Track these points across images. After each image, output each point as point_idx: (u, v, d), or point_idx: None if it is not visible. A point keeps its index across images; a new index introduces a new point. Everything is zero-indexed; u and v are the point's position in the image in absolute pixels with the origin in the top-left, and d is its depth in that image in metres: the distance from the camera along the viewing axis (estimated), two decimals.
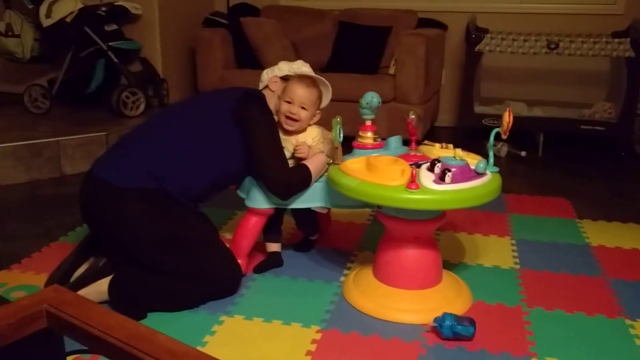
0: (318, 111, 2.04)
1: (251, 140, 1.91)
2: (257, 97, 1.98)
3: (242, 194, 2.08)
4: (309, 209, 2.05)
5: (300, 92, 1.96)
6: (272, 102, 2.04)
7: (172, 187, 1.81)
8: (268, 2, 4.38)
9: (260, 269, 2.07)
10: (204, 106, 1.97)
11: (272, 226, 2.10)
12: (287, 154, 2.00)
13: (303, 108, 1.96)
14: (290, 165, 1.98)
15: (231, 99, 1.95)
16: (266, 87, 2.09)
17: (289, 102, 1.97)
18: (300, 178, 1.94)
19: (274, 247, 2.13)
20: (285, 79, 2.07)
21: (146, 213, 1.76)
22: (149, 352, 0.82)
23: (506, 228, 2.49)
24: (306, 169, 1.94)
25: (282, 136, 2.01)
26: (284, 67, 2.09)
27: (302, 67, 2.10)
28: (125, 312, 1.73)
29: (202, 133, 1.89)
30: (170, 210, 1.80)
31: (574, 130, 3.60)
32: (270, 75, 2.09)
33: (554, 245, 2.33)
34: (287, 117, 1.97)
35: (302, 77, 2.00)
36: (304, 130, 2.02)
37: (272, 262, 2.10)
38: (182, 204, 1.84)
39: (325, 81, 2.06)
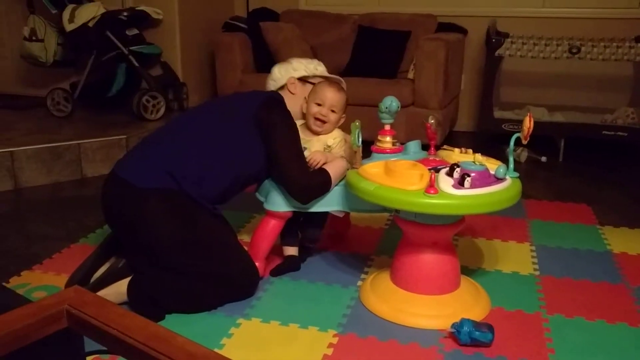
0: (343, 115, 2.08)
1: (272, 145, 1.93)
2: (278, 102, 2.00)
3: (260, 197, 2.08)
4: (322, 214, 2.05)
5: (331, 96, 2.01)
6: (291, 104, 2.05)
7: (191, 188, 1.82)
8: (287, 7, 4.40)
9: (277, 272, 2.07)
10: (225, 110, 1.98)
11: (289, 230, 2.10)
12: (307, 154, 2.02)
13: (333, 111, 2.02)
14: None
15: (253, 103, 1.96)
16: (283, 87, 2.10)
17: (319, 105, 2.01)
18: (320, 182, 1.94)
19: (291, 250, 2.13)
20: (302, 80, 2.08)
21: (166, 214, 1.78)
22: (168, 353, 0.82)
23: (526, 234, 2.46)
24: (326, 173, 1.95)
25: (306, 137, 2.04)
26: (299, 67, 2.10)
27: (317, 67, 2.12)
28: (143, 313, 1.75)
29: (223, 136, 1.90)
30: (189, 212, 1.82)
31: (596, 135, 3.55)
32: (285, 75, 2.09)
33: (574, 251, 2.30)
34: (317, 119, 2.02)
35: (331, 81, 2.08)
36: (330, 132, 2.05)
37: (289, 266, 2.10)
38: (202, 206, 1.85)
39: (341, 79, 2.14)
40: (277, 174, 1.96)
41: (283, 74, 2.11)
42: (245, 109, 1.95)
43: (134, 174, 1.82)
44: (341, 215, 2.06)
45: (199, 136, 1.90)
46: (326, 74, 2.14)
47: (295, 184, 1.92)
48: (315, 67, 2.12)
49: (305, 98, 2.07)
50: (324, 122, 2.02)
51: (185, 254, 1.79)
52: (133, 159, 1.89)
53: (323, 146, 2.06)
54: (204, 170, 1.86)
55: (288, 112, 2.00)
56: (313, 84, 2.08)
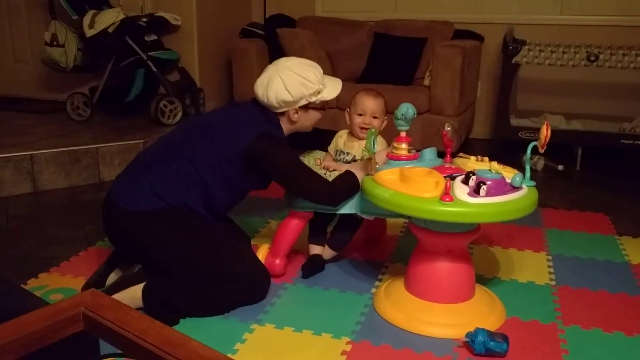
0: (385, 118, 2.12)
1: (278, 178, 1.94)
2: (270, 138, 1.90)
3: (285, 197, 2.12)
4: (355, 220, 2.07)
5: (371, 104, 2.08)
6: (291, 128, 2.02)
7: (191, 204, 1.87)
8: (304, 13, 4.42)
9: (307, 273, 2.09)
10: (218, 137, 1.90)
11: (318, 229, 2.15)
12: (349, 159, 2.11)
13: (375, 117, 2.08)
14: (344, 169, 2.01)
15: (244, 138, 1.87)
16: (283, 112, 1.97)
17: (361, 115, 2.08)
18: (346, 185, 1.94)
19: (316, 249, 2.15)
20: (305, 107, 1.97)
21: (166, 234, 1.83)
22: (182, 357, 0.83)
23: (542, 243, 2.44)
24: (350, 174, 1.95)
25: (349, 143, 2.13)
26: (298, 95, 1.92)
27: (316, 90, 1.95)
28: (158, 317, 1.78)
29: (217, 164, 1.88)
30: (190, 224, 1.87)
31: (614, 144, 3.51)
32: (285, 105, 1.93)
33: (591, 262, 2.27)
34: (362, 128, 2.08)
35: (367, 90, 2.12)
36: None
37: (316, 266, 2.11)
38: (201, 216, 1.90)
39: (337, 78, 2.09)
40: (299, 196, 1.99)
41: (280, 103, 1.92)
42: (237, 143, 1.87)
43: (127, 198, 1.85)
44: (371, 218, 2.06)
45: (195, 160, 1.87)
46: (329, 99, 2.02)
47: (319, 198, 1.95)
48: (322, 96, 1.98)
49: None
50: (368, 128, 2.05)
51: (193, 265, 1.83)
52: (127, 180, 1.91)
53: (362, 150, 2.08)
54: (202, 191, 1.88)
55: (281, 142, 1.94)
56: (316, 108, 2.02)
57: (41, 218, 2.72)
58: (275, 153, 1.90)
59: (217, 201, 1.94)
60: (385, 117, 2.13)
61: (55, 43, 3.79)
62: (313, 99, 1.96)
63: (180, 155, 1.88)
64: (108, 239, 1.98)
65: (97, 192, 3.05)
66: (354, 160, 2.10)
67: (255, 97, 1.98)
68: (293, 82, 1.90)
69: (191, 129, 1.97)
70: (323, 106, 2.04)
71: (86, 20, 3.60)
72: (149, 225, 1.83)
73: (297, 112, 1.97)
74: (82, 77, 4.14)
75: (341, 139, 2.17)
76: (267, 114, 1.96)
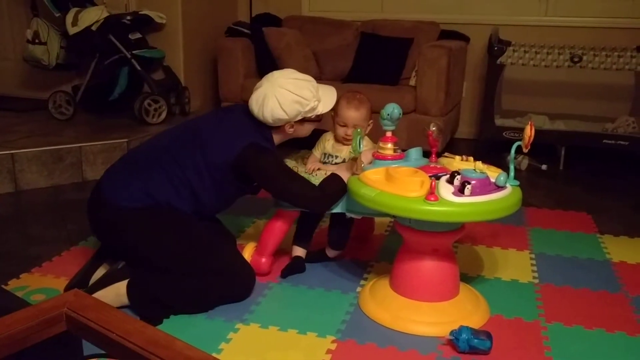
0: (370, 122, 2.10)
1: (267, 186, 1.96)
2: (259, 149, 1.90)
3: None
4: (347, 219, 2.08)
5: (352, 116, 2.05)
6: (285, 138, 2.03)
7: (180, 206, 1.87)
8: (290, 13, 4.41)
9: (286, 273, 2.10)
10: (208, 147, 1.89)
11: (303, 231, 2.16)
12: (339, 161, 2.10)
13: (356, 126, 2.06)
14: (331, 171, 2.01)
15: (234, 149, 1.87)
16: (279, 127, 1.97)
17: (343, 125, 2.06)
18: (334, 189, 1.94)
19: (299, 251, 2.16)
20: (302, 120, 1.97)
21: (154, 231, 1.84)
22: (167, 358, 0.82)
23: (526, 242, 2.46)
24: (336, 177, 1.95)
25: (337, 146, 2.12)
26: (293, 113, 1.92)
27: (311, 107, 1.95)
28: (142, 313, 1.78)
29: (206, 172, 1.88)
30: (178, 222, 1.87)
31: (597, 144, 3.55)
32: (280, 122, 1.93)
33: (574, 260, 2.30)
34: (344, 138, 2.08)
35: (349, 100, 2.06)
36: None
37: (296, 267, 2.12)
38: (191, 217, 1.90)
39: (331, 87, 2.07)
40: (287, 201, 1.98)
41: (275, 119, 1.91)
42: (225, 153, 1.87)
43: (118, 194, 1.85)
44: (359, 217, 2.07)
45: (185, 165, 1.87)
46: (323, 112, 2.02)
47: (309, 204, 1.96)
48: (315, 110, 1.97)
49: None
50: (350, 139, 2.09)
51: (180, 260, 1.84)
52: (119, 177, 1.90)
53: (349, 152, 2.08)
54: (190, 195, 1.89)
55: (269, 152, 1.93)
56: (311, 120, 2.01)
57: (23, 218, 2.68)
58: (264, 162, 1.90)
59: (206, 206, 1.95)
60: (371, 122, 2.11)
61: (37, 41, 3.74)
62: (309, 115, 1.97)
63: (171, 160, 1.88)
64: (93, 233, 1.97)
65: (80, 191, 3.02)
66: (343, 162, 2.09)
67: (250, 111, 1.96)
68: (289, 101, 1.90)
69: (183, 135, 1.96)
70: (319, 119, 2.04)
71: (69, 17, 3.56)
72: (138, 222, 1.83)
73: (292, 127, 1.98)
74: (64, 75, 4.09)
75: (329, 142, 2.15)
76: (258, 124, 1.96)
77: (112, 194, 1.86)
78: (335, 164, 2.10)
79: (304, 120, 1.98)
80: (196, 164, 1.87)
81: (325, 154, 2.15)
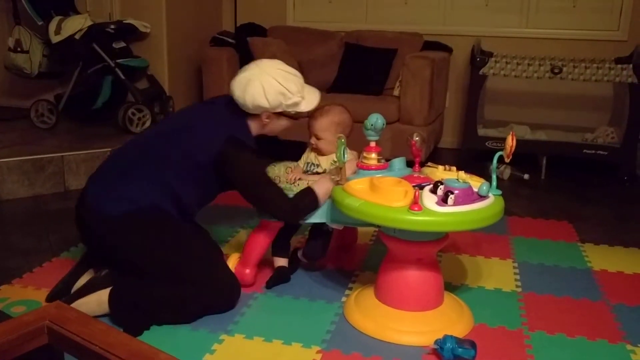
0: (340, 135, 1.97)
1: (241, 190, 1.93)
2: (237, 144, 1.89)
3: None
4: (325, 232, 2.08)
5: (314, 125, 2.08)
6: (260, 130, 2.02)
7: (164, 207, 1.86)
8: (275, 23, 4.43)
9: (271, 283, 2.09)
10: (187, 143, 1.90)
11: (280, 242, 2.15)
12: (320, 170, 2.10)
13: (318, 138, 2.09)
14: (314, 180, 2.01)
15: (212, 144, 1.87)
16: (256, 115, 1.96)
17: (310, 135, 2.10)
18: (306, 202, 1.94)
19: (281, 262, 2.16)
20: (280, 113, 1.98)
21: (140, 237, 1.83)
22: None
23: (508, 251, 2.48)
24: (310, 191, 1.95)
25: (318, 156, 2.12)
26: (275, 103, 1.91)
27: (294, 102, 1.95)
28: (123, 322, 1.76)
29: (185, 170, 1.88)
30: (165, 228, 1.86)
31: (577, 154, 3.61)
32: (259, 110, 1.93)
33: (556, 268, 2.32)
34: (312, 146, 2.11)
35: (318, 108, 2.07)
36: (332, 151, 2.07)
37: (280, 278, 2.12)
38: (177, 220, 1.89)
39: (316, 90, 2.07)
40: (260, 208, 1.98)
41: (255, 105, 1.90)
42: (206, 149, 1.87)
43: (104, 201, 1.84)
44: (340, 227, 2.07)
45: (164, 164, 1.87)
46: (306, 110, 2.02)
47: (279, 213, 1.95)
48: (293, 105, 1.96)
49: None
50: (317, 149, 2.12)
51: (167, 268, 1.82)
52: (103, 183, 1.90)
53: (331, 162, 2.09)
54: (171, 193, 1.88)
55: (248, 149, 1.92)
56: (289, 116, 2.02)
57: (3, 228, 2.65)
58: (241, 163, 1.89)
59: (188, 204, 1.93)
60: (341, 136, 1.93)
61: (19, 49, 3.70)
62: (289, 110, 1.96)
63: (151, 162, 1.88)
64: (82, 241, 1.94)
65: (63, 201, 2.99)
66: (324, 172, 2.10)
67: (230, 93, 1.95)
68: (273, 90, 1.89)
69: (163, 134, 1.96)
70: (296, 117, 2.04)
71: (52, 26, 3.53)
72: (125, 229, 1.82)
73: (269, 117, 1.97)
74: (47, 83, 4.05)
75: (312, 152, 2.17)
76: (237, 116, 1.95)
77: (96, 202, 1.84)
78: (316, 172, 2.11)
79: (281, 114, 1.98)
80: (177, 164, 1.87)
81: (308, 162, 2.16)
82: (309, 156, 2.17)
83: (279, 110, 1.95)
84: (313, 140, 2.10)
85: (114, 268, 1.89)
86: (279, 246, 2.16)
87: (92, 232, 1.88)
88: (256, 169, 1.95)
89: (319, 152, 2.13)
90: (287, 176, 2.10)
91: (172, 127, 1.98)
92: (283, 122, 2.03)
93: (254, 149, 1.96)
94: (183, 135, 1.92)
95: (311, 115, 2.10)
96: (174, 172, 1.87)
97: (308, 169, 2.15)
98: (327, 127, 2.08)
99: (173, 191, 1.87)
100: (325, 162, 2.12)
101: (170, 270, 1.82)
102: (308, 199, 1.94)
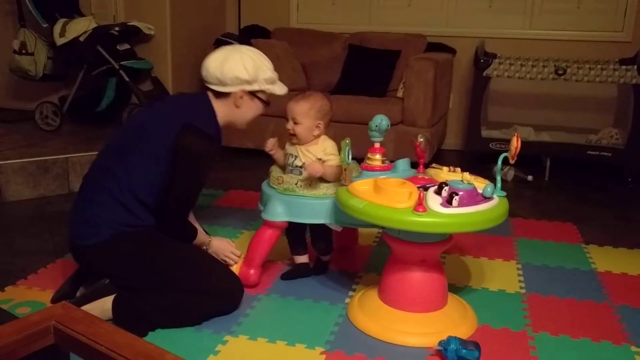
0: (319, 122, 2.00)
1: (176, 180, 1.84)
2: (195, 131, 1.85)
3: (260, 206, 2.12)
4: (323, 228, 2.07)
5: (290, 107, 2.01)
6: (229, 115, 1.96)
7: (140, 221, 1.85)
8: (279, 24, 4.43)
9: (287, 276, 2.12)
10: (145, 140, 1.86)
11: (297, 240, 2.18)
12: (299, 163, 2.02)
13: (296, 122, 2.00)
14: (302, 174, 1.99)
15: (168, 132, 1.83)
16: (229, 94, 1.93)
17: (287, 119, 2.03)
18: (186, 232, 1.94)
19: (301, 259, 2.18)
20: (253, 93, 1.95)
21: (129, 258, 1.83)
22: None
23: (512, 252, 2.48)
24: (194, 232, 1.95)
25: (293, 146, 2.06)
26: (253, 74, 1.90)
27: (270, 77, 1.95)
28: (127, 329, 1.76)
29: (145, 177, 1.84)
30: (153, 241, 1.86)
31: (581, 155, 3.60)
32: (237, 84, 1.90)
33: (560, 270, 2.32)
34: (288, 132, 2.04)
35: (296, 94, 2.04)
36: (314, 142, 2.02)
37: (301, 272, 2.15)
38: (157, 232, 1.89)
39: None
40: (167, 198, 1.85)
41: (235, 84, 1.90)
42: (162, 143, 1.83)
43: (80, 236, 1.85)
44: (339, 229, 2.07)
45: (130, 178, 1.83)
46: (282, 93, 2.00)
47: (165, 220, 1.88)
48: (272, 88, 1.96)
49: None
50: (292, 134, 2.03)
51: (166, 278, 1.82)
52: (75, 219, 1.89)
53: (309, 156, 2.04)
54: (138, 207, 1.84)
55: (204, 146, 1.86)
56: (261, 100, 1.99)
57: (8, 229, 2.66)
58: (190, 165, 1.84)
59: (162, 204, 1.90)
60: (320, 123, 2.00)
61: (24, 51, 3.72)
62: (265, 87, 1.93)
63: (110, 178, 1.84)
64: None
65: (67, 202, 2.99)
66: (303, 165, 2.01)
67: (203, 77, 1.92)
68: (251, 63, 1.90)
69: (116, 147, 1.92)
70: (268, 100, 2.00)
71: (57, 28, 3.55)
72: (112, 254, 1.82)
73: (242, 97, 1.92)
74: (51, 86, 4.07)
75: (293, 145, 2.10)
76: (201, 101, 1.93)
77: (77, 236, 1.86)
78: (296, 165, 2.04)
79: (255, 97, 1.94)
80: (136, 174, 1.82)
81: (288, 154, 2.10)
82: (287, 147, 2.12)
83: (256, 86, 1.92)
84: (290, 125, 2.02)
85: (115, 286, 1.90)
86: (296, 245, 2.18)
87: (86, 265, 1.91)
88: (201, 177, 1.90)
89: (296, 140, 2.04)
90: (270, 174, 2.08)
91: (125, 135, 1.94)
92: (256, 106, 1.97)
93: (213, 141, 1.90)
94: (139, 137, 1.87)
95: (292, 98, 2.04)
96: (135, 182, 1.82)
97: (288, 161, 2.09)
98: (307, 112, 2.00)
99: (142, 201, 1.83)
100: (303, 156, 2.03)
101: (166, 284, 1.82)
102: (187, 233, 1.94)
